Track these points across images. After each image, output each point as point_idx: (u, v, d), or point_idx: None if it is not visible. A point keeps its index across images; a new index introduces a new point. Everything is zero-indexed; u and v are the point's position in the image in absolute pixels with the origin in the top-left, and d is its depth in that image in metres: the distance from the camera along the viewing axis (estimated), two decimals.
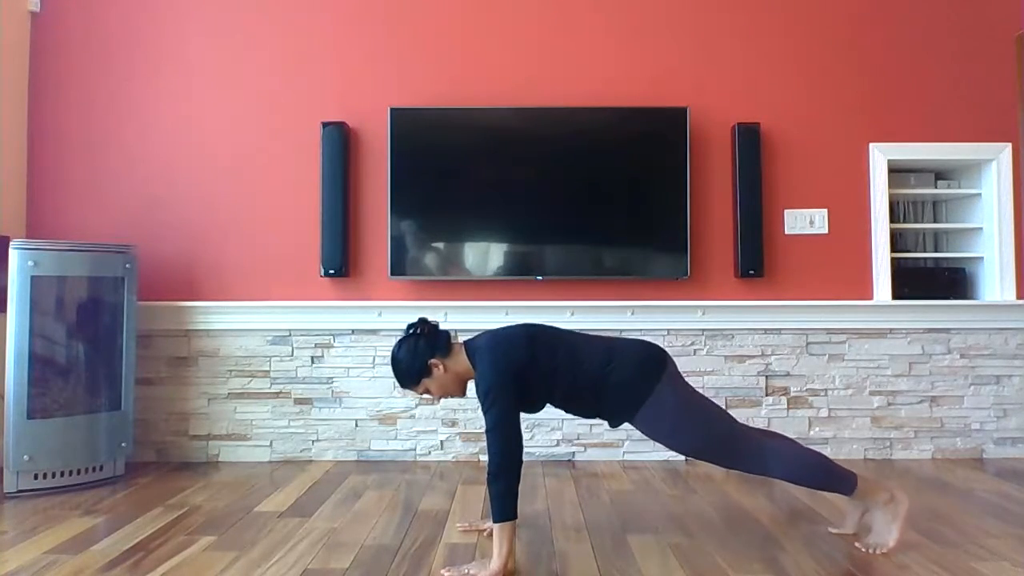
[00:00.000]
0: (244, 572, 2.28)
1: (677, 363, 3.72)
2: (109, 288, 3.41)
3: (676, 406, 2.39)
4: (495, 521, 2.24)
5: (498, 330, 2.52)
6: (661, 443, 2.46)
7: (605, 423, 2.55)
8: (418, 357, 2.43)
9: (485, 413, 2.30)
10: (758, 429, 2.63)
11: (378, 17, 3.88)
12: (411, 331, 2.49)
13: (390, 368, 2.53)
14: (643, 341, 2.54)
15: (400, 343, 2.48)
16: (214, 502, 3.03)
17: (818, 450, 2.57)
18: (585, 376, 2.39)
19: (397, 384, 2.53)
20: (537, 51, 3.87)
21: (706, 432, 2.41)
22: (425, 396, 2.53)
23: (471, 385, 2.52)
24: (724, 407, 3.75)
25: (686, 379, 2.51)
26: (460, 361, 2.45)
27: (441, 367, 2.43)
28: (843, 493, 2.44)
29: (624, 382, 2.38)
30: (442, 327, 2.53)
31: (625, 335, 3.78)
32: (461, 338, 2.58)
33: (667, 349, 3.75)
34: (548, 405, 2.48)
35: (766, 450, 2.40)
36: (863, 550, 2.41)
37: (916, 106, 3.88)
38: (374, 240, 3.80)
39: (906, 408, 3.80)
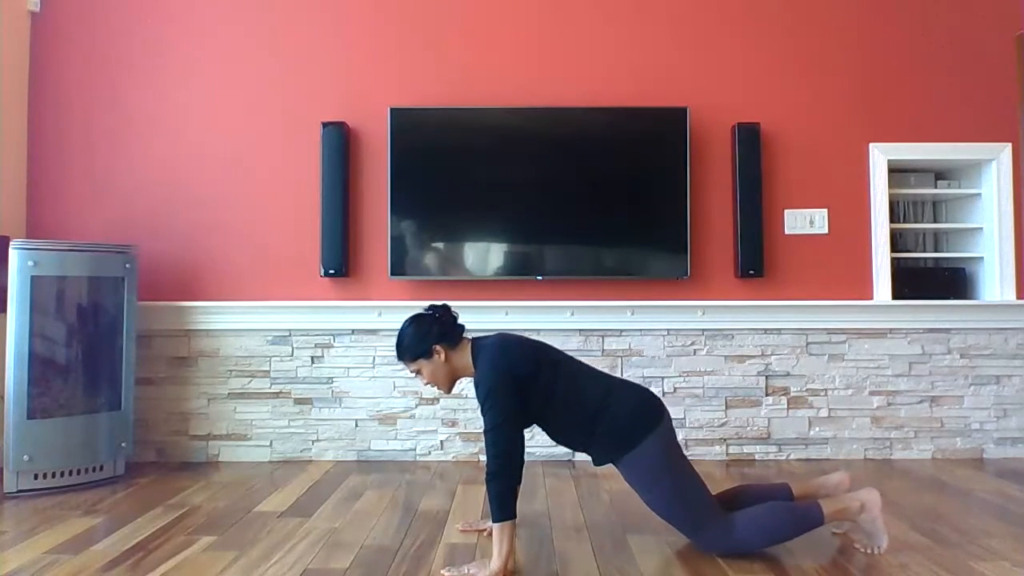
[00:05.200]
0: (244, 572, 2.28)
1: (677, 364, 3.77)
2: (109, 288, 3.41)
3: (661, 462, 2.35)
4: (494, 521, 2.24)
5: (508, 335, 2.51)
6: (637, 493, 2.43)
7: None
8: (426, 339, 2.42)
9: (484, 414, 2.30)
10: (720, 501, 2.48)
11: (378, 17, 3.88)
12: (430, 311, 2.48)
13: (396, 339, 2.49)
14: (645, 388, 2.50)
15: (415, 318, 2.47)
16: (214, 502, 3.03)
17: (776, 493, 2.52)
18: (581, 405, 2.37)
19: (395, 354, 2.51)
20: (537, 51, 3.87)
21: (682, 497, 2.36)
22: (413, 375, 2.52)
23: (458, 386, 2.52)
24: (725, 406, 3.77)
25: (678, 436, 2.46)
26: (463, 357, 2.45)
27: (442, 355, 2.43)
28: (817, 527, 2.37)
29: (617, 422, 2.36)
30: (460, 321, 2.51)
31: (625, 335, 3.79)
32: (469, 335, 2.56)
33: (667, 349, 3.78)
34: (539, 427, 2.45)
35: (732, 528, 2.33)
36: (863, 551, 2.41)
37: (916, 106, 3.88)
38: (374, 240, 3.80)
39: (906, 408, 3.80)
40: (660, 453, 2.35)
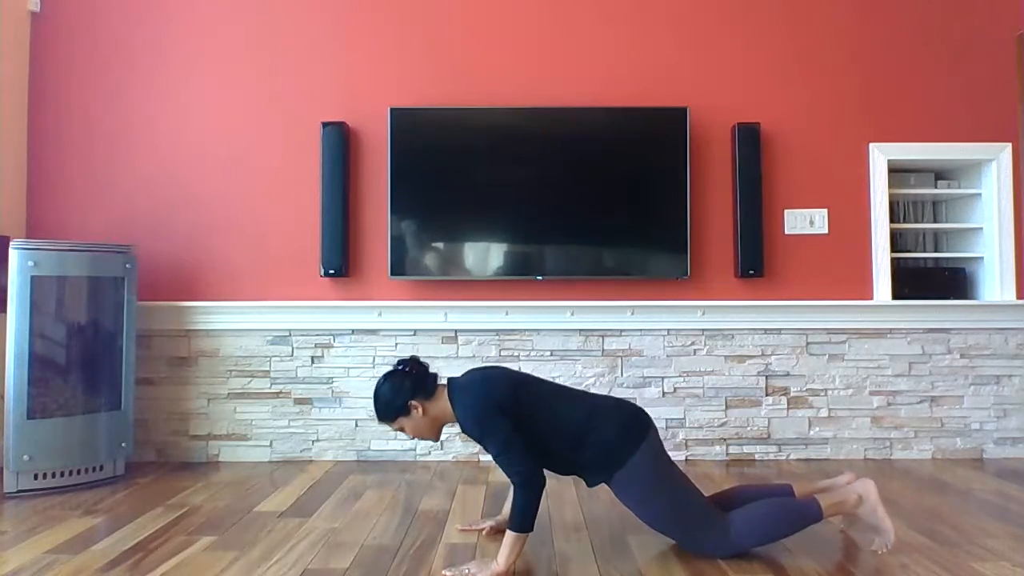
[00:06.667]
0: (244, 572, 2.28)
1: (677, 364, 3.77)
2: (109, 288, 3.41)
3: (652, 476, 2.34)
4: (510, 528, 2.22)
5: (479, 368, 2.51)
6: (630, 509, 2.41)
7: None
8: (400, 395, 2.38)
9: (486, 446, 2.29)
10: (718, 501, 2.49)
11: (379, 17, 3.88)
12: (400, 367, 2.45)
13: (372, 401, 2.47)
14: (629, 403, 2.49)
15: (386, 377, 2.44)
16: (214, 502, 3.03)
17: (778, 487, 2.52)
18: (565, 431, 2.35)
19: (375, 417, 2.48)
20: (537, 51, 3.87)
21: (676, 508, 2.35)
22: (400, 434, 2.49)
23: (446, 431, 2.49)
24: (725, 406, 3.76)
25: (665, 444, 2.45)
26: (441, 405, 2.41)
27: (420, 409, 2.39)
28: (815, 522, 2.37)
29: (605, 441, 2.34)
30: (432, 370, 2.47)
31: (625, 335, 3.78)
32: (443, 380, 2.50)
33: (667, 349, 3.78)
34: None
35: (730, 528, 2.33)
36: (877, 551, 2.38)
37: (916, 106, 3.88)
38: (374, 240, 3.80)
39: (906, 408, 3.80)
40: (649, 467, 2.34)
